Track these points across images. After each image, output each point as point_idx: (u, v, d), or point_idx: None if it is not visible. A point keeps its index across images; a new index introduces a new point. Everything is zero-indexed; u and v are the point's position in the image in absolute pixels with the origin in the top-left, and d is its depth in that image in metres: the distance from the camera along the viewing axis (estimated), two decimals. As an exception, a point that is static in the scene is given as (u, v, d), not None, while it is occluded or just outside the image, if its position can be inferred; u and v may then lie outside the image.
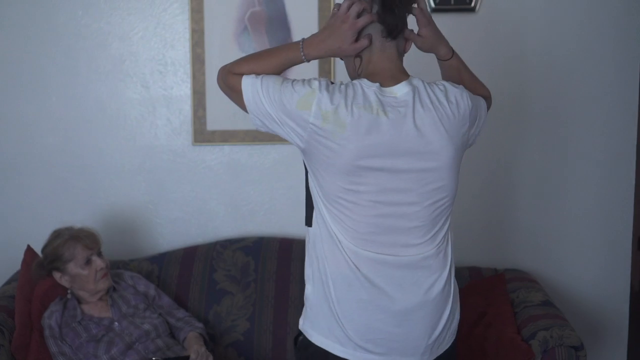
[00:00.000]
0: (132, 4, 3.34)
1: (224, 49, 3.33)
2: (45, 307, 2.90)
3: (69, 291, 2.92)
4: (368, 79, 1.95)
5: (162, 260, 3.29)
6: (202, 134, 3.39)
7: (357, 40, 1.96)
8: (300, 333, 2.07)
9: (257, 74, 1.96)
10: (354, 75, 2.04)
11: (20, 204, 3.43)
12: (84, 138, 3.41)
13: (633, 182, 3.42)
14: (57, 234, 2.95)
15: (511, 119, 3.39)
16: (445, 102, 1.96)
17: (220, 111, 3.36)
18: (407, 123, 1.91)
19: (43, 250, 2.93)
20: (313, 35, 2.00)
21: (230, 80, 1.99)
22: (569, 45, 3.35)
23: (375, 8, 1.95)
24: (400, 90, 1.94)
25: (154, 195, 3.43)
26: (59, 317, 2.85)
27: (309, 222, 2.04)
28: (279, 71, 2.00)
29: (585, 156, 3.41)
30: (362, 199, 1.92)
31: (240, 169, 3.41)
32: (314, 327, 2.02)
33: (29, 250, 3.05)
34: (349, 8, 1.95)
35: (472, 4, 3.28)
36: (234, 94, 1.99)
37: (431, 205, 1.97)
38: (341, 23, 1.95)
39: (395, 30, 1.96)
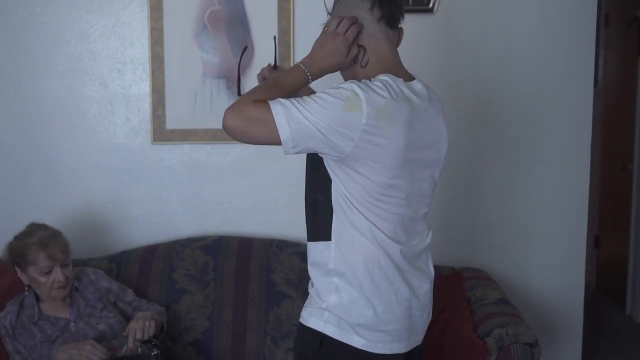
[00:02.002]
0: (90, 1, 3.32)
1: (183, 47, 3.34)
2: (3, 306, 2.89)
3: (26, 288, 2.89)
4: (390, 74, 2.01)
5: (122, 259, 3.28)
6: (162, 133, 3.38)
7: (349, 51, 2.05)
8: (320, 337, 2.03)
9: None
10: (355, 69, 2.08)
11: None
12: (41, 136, 3.39)
13: (588, 182, 3.49)
14: (29, 232, 2.88)
15: (469, 121, 3.43)
16: (439, 99, 2.15)
17: (180, 110, 3.37)
18: (430, 116, 2.06)
19: (14, 239, 2.88)
20: (310, 56, 2.04)
21: (251, 110, 1.87)
22: (527, 48, 3.41)
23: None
24: (417, 85, 2.07)
25: (113, 194, 3.41)
26: (14, 318, 2.83)
27: (323, 236, 2.02)
28: (289, 97, 1.96)
29: (542, 157, 3.48)
30: (399, 192, 1.99)
31: (200, 167, 3.41)
32: (352, 331, 2.01)
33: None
34: (337, 25, 2.03)
35: (430, 5, 3.32)
36: (260, 124, 1.87)
37: (432, 193, 2.15)
38: (332, 40, 2.02)
39: (395, 20, 2.08)
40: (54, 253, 2.82)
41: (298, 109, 1.86)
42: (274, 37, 2.44)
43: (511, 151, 3.47)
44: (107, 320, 2.90)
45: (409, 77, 2.07)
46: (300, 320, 2.08)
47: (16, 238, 2.88)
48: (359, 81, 1.96)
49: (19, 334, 2.82)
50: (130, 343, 2.73)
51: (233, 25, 3.33)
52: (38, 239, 2.83)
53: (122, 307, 3.02)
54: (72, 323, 2.86)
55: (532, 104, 3.44)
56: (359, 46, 2.06)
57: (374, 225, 1.98)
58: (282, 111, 1.86)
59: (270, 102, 1.88)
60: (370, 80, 1.97)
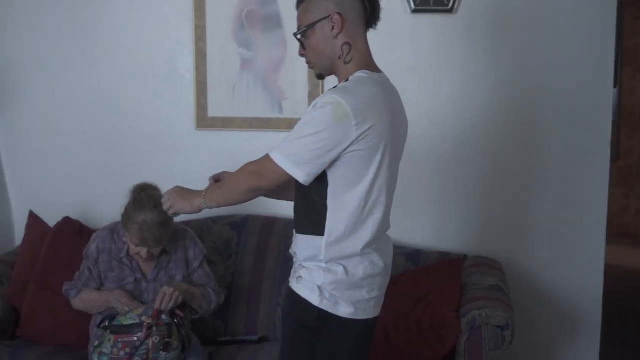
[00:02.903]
0: (145, 3, 3.74)
1: (223, 43, 3.68)
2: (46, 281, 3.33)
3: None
4: (367, 70, 2.23)
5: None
6: (204, 120, 3.74)
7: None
8: (318, 313, 2.24)
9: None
10: (339, 64, 2.26)
11: (49, 175, 3.92)
12: (100, 121, 3.84)
13: (607, 178, 3.54)
14: (143, 206, 2.99)
15: (491, 120, 3.57)
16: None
17: (220, 100, 3.71)
18: (399, 103, 2.31)
19: (134, 201, 3.04)
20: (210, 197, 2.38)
21: (262, 176, 2.20)
22: (546, 46, 3.50)
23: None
24: (385, 77, 2.29)
25: (161, 173, 3.68)
26: (101, 244, 3.14)
27: (316, 231, 2.23)
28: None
29: (566, 156, 3.56)
30: (385, 179, 2.22)
31: (237, 152, 3.69)
32: (342, 303, 2.23)
33: (31, 215, 3.53)
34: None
35: (450, 5, 3.47)
36: (270, 174, 2.18)
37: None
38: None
39: (377, 19, 2.29)
40: (148, 241, 3.00)
41: (296, 146, 2.12)
42: None
43: (538, 149, 3.58)
44: None
45: (378, 70, 2.28)
46: (294, 289, 2.29)
47: (135, 201, 3.02)
48: (336, 88, 2.19)
49: (102, 260, 3.12)
50: (157, 305, 2.94)
51: (268, 23, 3.63)
52: (143, 221, 2.98)
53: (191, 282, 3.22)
54: (145, 282, 3.13)
55: (553, 100, 3.52)
56: (345, 43, 2.23)
57: (365, 216, 2.21)
58: (283, 158, 2.14)
59: (274, 158, 2.15)
60: (347, 81, 2.21)
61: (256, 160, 2.25)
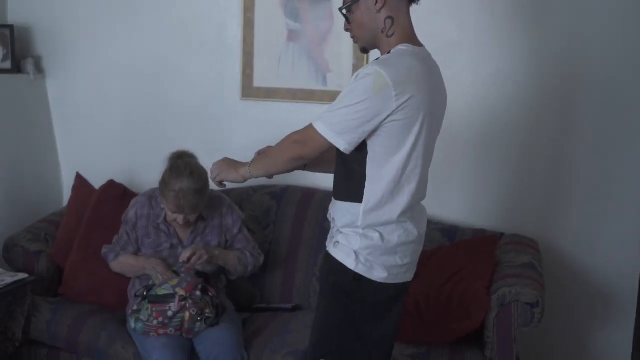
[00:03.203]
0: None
1: (271, 13, 3.72)
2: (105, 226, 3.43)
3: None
4: (409, 43, 2.27)
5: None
6: (250, 90, 3.80)
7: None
8: (353, 277, 2.31)
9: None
10: (381, 37, 2.30)
11: (97, 139, 4.06)
12: (151, 88, 3.94)
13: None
14: (180, 174, 3.05)
15: (532, 97, 3.54)
16: None
17: (266, 70, 3.76)
18: (439, 76, 2.35)
19: (171, 168, 3.10)
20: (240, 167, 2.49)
21: (305, 145, 2.27)
22: (591, 27, 3.43)
23: None
24: (426, 51, 2.34)
25: (206, 140, 3.83)
26: (140, 209, 3.22)
27: (354, 198, 2.29)
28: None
29: (604, 134, 3.50)
30: (422, 147, 2.26)
31: (281, 123, 3.72)
32: (377, 268, 2.30)
33: (78, 177, 3.63)
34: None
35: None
36: (313, 143, 2.24)
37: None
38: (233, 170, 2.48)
39: None
40: (184, 208, 3.07)
41: (337, 117, 2.18)
42: None
43: (577, 128, 3.53)
44: (204, 267, 3.15)
45: (420, 44, 2.32)
46: (331, 253, 2.37)
47: (172, 168, 3.08)
48: (378, 60, 2.23)
49: (141, 225, 3.21)
50: (184, 256, 3.03)
51: (316, -6, 3.66)
52: (180, 189, 3.04)
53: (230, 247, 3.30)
54: (181, 248, 3.18)
55: (595, 84, 3.47)
56: (388, 17, 2.27)
57: (401, 185, 2.26)
58: (325, 127, 2.20)
59: (317, 127, 2.22)
60: (389, 53, 2.25)
61: (299, 130, 2.31)
